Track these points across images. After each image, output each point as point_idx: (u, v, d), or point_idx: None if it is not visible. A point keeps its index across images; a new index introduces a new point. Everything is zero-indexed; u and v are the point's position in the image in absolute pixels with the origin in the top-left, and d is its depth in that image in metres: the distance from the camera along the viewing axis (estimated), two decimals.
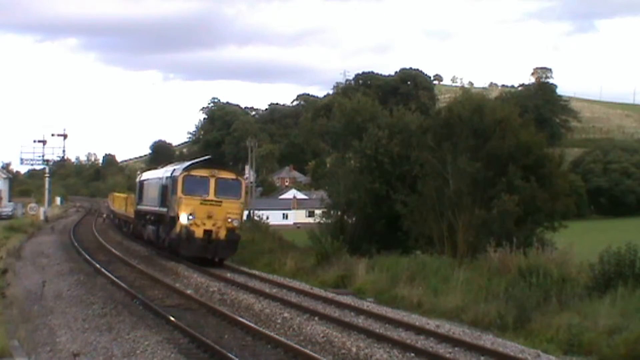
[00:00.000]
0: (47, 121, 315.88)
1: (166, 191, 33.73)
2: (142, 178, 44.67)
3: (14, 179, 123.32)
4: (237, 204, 31.81)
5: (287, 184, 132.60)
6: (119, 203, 61.34)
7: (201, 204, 31.03)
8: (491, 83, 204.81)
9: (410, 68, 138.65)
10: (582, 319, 19.34)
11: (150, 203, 38.36)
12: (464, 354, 16.22)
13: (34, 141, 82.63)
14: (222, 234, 30.94)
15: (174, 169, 33.81)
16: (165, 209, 33.72)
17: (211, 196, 31.28)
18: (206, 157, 37.24)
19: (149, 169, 52.02)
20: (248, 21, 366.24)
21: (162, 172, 37.03)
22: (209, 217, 30.83)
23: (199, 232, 30.76)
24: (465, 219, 32.64)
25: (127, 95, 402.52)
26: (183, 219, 30.82)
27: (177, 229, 31.18)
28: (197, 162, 33.58)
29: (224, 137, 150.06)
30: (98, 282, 27.08)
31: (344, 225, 40.45)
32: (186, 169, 32.23)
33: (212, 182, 31.44)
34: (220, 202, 31.16)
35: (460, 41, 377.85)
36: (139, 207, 42.72)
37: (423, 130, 36.98)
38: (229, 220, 31.01)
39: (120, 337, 16.79)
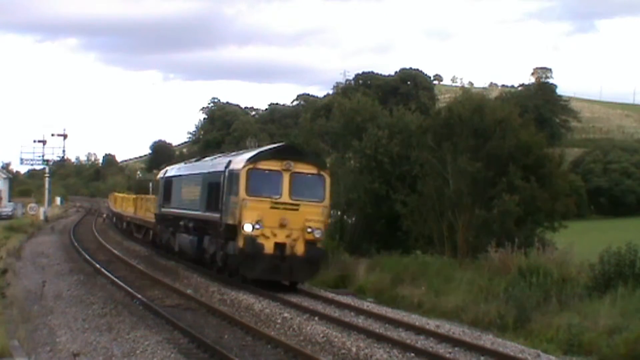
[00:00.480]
0: (47, 121, 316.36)
1: (217, 190, 25.86)
2: (169, 174, 35.93)
3: (14, 179, 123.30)
4: (320, 207, 24.23)
5: None
6: (125, 204, 56.59)
7: (271, 208, 23.66)
8: (491, 83, 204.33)
9: (410, 68, 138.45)
10: (582, 319, 19.37)
11: (187, 206, 30.36)
12: (464, 354, 16.22)
13: (34, 141, 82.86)
14: (300, 248, 23.67)
15: (230, 161, 25.90)
16: (215, 214, 25.59)
17: (285, 197, 23.90)
18: (278, 144, 28.18)
19: (173, 163, 42.92)
20: (248, 21, 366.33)
21: (210, 165, 29.08)
22: (282, 225, 23.60)
23: (268, 246, 23.42)
24: (465, 219, 32.66)
25: (127, 95, 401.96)
26: (247, 228, 23.32)
27: (239, 242, 23.51)
28: (265, 151, 25.47)
29: (224, 137, 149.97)
30: (98, 282, 27.12)
31: (344, 225, 40.46)
32: (251, 160, 24.24)
33: (286, 177, 23.96)
34: (297, 205, 23.86)
35: (460, 41, 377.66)
36: (165, 210, 34.43)
37: (423, 130, 36.97)
38: (309, 229, 23.71)
39: (120, 337, 16.81)
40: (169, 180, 34.99)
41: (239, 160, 24.93)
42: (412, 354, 15.71)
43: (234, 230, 23.95)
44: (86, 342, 16.14)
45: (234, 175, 24.41)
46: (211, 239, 26.69)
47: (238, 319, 19.47)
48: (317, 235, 23.93)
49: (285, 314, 19.76)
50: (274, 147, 26.18)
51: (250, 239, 23.32)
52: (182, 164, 36.97)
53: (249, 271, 23.81)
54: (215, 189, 26.13)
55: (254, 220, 23.37)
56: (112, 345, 15.91)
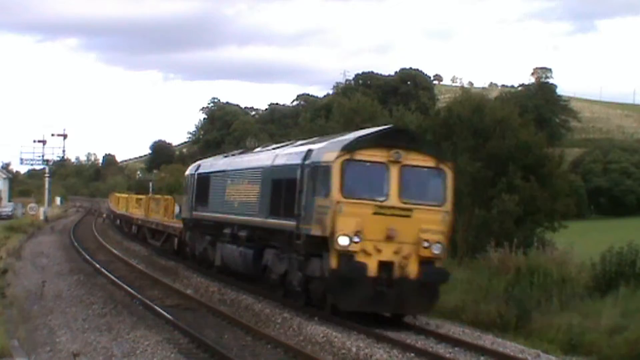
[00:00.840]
0: (47, 121, 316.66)
1: (290, 189, 19.82)
2: (204, 170, 29.70)
3: (14, 179, 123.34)
4: (439, 213, 18.37)
5: None
6: (132, 206, 53.18)
7: (375, 213, 17.86)
8: (491, 83, 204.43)
9: (410, 68, 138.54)
10: (583, 319, 19.36)
11: (235, 209, 24.42)
12: (464, 354, 16.22)
13: (34, 141, 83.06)
14: (412, 269, 18.00)
15: (310, 150, 19.59)
16: (287, 222, 19.74)
17: (393, 199, 18.05)
18: (383, 127, 20.88)
19: (207, 156, 35.85)
20: (248, 21, 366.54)
21: (273, 157, 22.33)
22: (389, 238, 17.85)
23: (371, 266, 17.72)
24: (465, 219, 32.65)
25: (127, 95, 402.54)
26: (342, 241, 17.55)
27: (331, 260, 17.69)
28: (365, 137, 18.97)
29: (224, 137, 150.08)
30: (98, 282, 27.11)
31: None
32: (347, 148, 18.16)
33: (393, 172, 18.10)
34: (410, 210, 18.07)
35: (460, 41, 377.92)
36: (199, 213, 28.65)
37: (422, 130, 36.96)
38: (425, 243, 17.98)
39: (120, 337, 16.81)
40: (204, 177, 28.89)
41: (328, 149, 18.81)
42: (412, 354, 15.70)
43: (321, 243, 18.14)
44: (86, 342, 16.14)
45: (320, 170, 18.50)
46: (278, 253, 20.91)
47: (238, 319, 19.46)
48: (436, 251, 18.16)
49: (285, 314, 19.74)
50: (378, 131, 19.43)
51: (347, 257, 17.62)
52: (220, 158, 30.63)
53: (344, 300, 18.02)
54: (287, 188, 20.17)
55: (352, 230, 17.57)
56: (112, 345, 15.91)
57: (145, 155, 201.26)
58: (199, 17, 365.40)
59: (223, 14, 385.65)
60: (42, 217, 74.00)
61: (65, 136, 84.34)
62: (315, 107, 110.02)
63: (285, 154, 21.71)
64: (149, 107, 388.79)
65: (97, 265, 31.53)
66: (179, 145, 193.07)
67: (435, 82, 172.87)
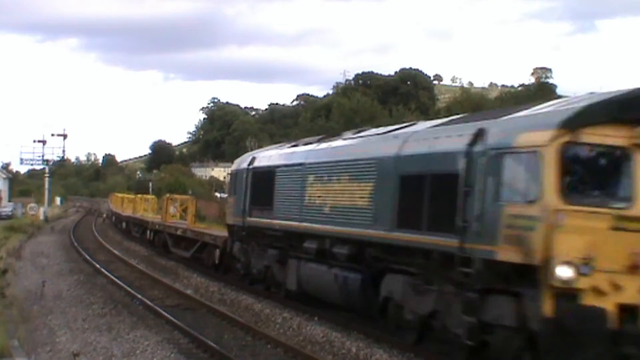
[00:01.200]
0: (47, 121, 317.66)
1: (442, 189, 13.58)
2: (263, 162, 23.15)
3: (14, 179, 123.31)
4: None
5: None
6: (141, 207, 50.64)
7: (612, 229, 11.25)
8: (491, 83, 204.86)
9: (410, 68, 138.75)
10: None
11: (326, 217, 18.04)
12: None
13: (34, 141, 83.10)
14: None
15: (482, 129, 12.94)
16: (434, 238, 13.68)
17: (638, 205, 11.42)
18: (624, 92, 11.80)
19: (265, 146, 29.82)
20: (248, 21, 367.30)
21: (399, 141, 15.74)
22: (634, 268, 11.24)
23: (611, 312, 11.13)
24: None
25: (128, 95, 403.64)
26: (563, 272, 11.02)
27: (543, 303, 11.20)
28: (595, 106, 11.73)
29: (224, 137, 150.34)
30: (98, 282, 27.11)
31: None
32: (568, 124, 11.39)
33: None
34: None
35: (460, 41, 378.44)
36: (258, 220, 22.54)
37: None
38: None
39: (120, 337, 16.81)
40: (265, 172, 22.40)
41: (529, 126, 12.25)
42: (412, 355, 15.69)
43: (514, 274, 11.89)
44: (86, 342, 16.14)
45: (513, 159, 12.09)
46: (417, 284, 14.77)
47: (238, 319, 19.46)
48: None
49: (285, 314, 19.74)
50: (614, 98, 11.80)
51: (570, 298, 11.19)
52: (285, 146, 23.56)
53: None
54: (435, 187, 13.92)
55: (579, 256, 11.11)
56: (112, 345, 15.91)
57: (145, 155, 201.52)
58: (199, 17, 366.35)
59: (223, 14, 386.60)
60: (42, 217, 73.98)
61: (65, 136, 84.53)
62: (315, 107, 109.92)
63: (425, 138, 15.05)
64: (149, 107, 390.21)
65: (97, 265, 31.53)
66: (179, 145, 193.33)
67: (435, 82, 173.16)
